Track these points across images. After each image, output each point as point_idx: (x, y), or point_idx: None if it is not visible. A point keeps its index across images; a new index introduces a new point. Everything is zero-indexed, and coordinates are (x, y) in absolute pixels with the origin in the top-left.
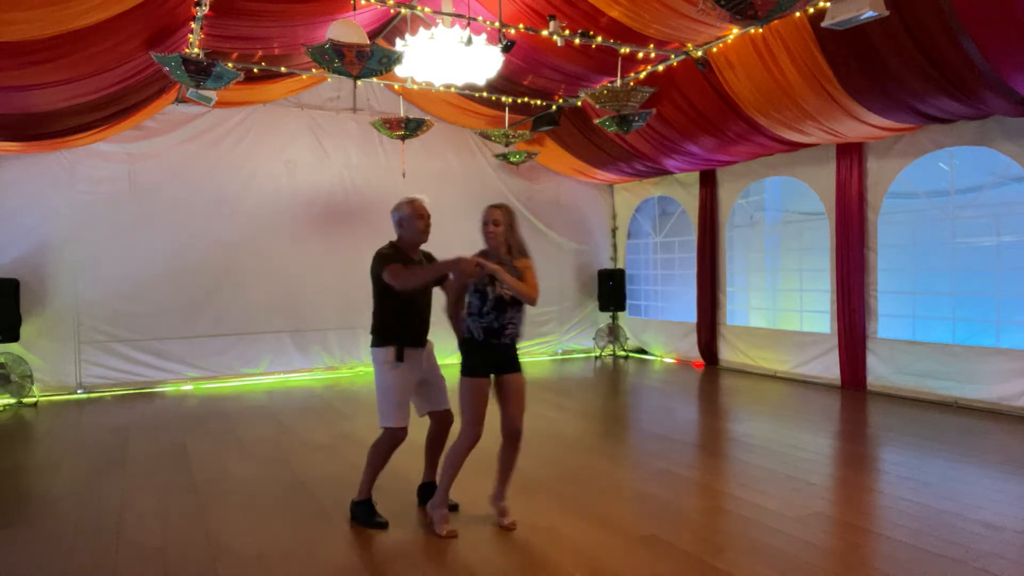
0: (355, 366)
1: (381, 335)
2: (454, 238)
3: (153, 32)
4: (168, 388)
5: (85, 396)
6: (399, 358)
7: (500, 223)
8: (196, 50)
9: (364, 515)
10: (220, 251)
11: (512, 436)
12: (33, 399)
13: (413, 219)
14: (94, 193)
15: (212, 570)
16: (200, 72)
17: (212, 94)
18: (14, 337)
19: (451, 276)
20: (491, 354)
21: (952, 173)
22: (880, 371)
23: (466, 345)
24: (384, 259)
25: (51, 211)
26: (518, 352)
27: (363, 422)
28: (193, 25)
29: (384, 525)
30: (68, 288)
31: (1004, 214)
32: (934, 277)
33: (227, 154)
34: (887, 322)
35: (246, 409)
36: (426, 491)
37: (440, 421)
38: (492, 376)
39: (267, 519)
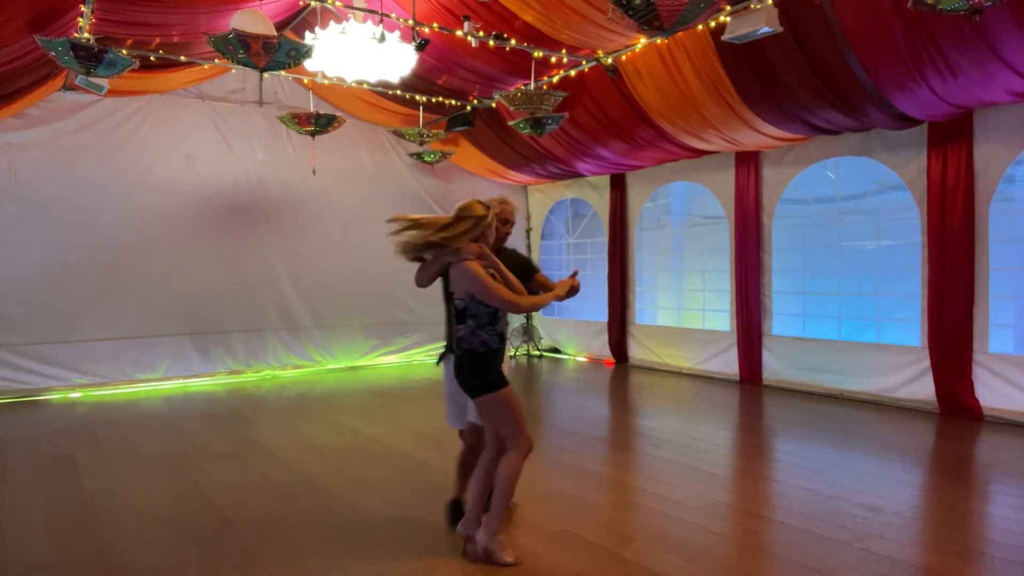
0: (261, 369)
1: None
2: (368, 236)
3: (38, 14)
4: (54, 396)
5: None
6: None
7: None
8: (86, 35)
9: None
10: (112, 249)
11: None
12: None
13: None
14: None
15: None
16: (91, 58)
17: (104, 82)
18: None
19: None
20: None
21: (838, 181)
22: (774, 366)
23: (487, 359)
24: None
25: None
26: None
27: (269, 428)
28: (83, 8)
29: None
30: None
31: (884, 220)
32: (822, 277)
33: (120, 146)
34: (780, 320)
35: (141, 417)
36: (456, 508)
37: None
38: None
39: (165, 533)
